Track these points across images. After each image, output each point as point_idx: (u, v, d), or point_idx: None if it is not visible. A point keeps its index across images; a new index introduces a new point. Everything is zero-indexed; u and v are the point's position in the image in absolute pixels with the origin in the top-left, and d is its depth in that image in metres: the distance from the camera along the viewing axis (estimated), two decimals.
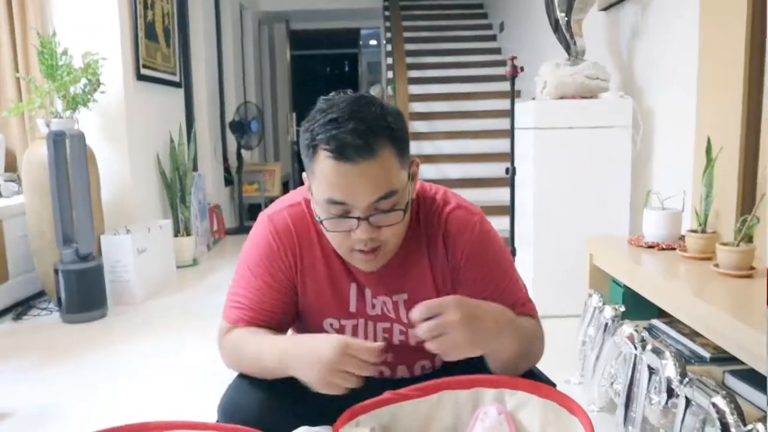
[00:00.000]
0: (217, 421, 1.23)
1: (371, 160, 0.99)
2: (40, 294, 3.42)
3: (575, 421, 1.00)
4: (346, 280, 1.21)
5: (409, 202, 1.12)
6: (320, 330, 1.27)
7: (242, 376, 1.25)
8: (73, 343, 2.76)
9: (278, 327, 1.22)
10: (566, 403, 1.04)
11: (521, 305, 1.20)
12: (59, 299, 3.04)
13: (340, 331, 1.27)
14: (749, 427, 1.15)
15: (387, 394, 1.15)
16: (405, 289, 1.20)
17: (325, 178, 1.02)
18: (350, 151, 0.98)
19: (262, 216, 1.23)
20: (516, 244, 2.87)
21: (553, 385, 1.31)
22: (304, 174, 1.12)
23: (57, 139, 2.97)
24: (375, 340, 1.27)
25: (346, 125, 0.99)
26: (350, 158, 0.98)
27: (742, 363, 1.32)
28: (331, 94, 1.06)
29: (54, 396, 2.19)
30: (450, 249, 1.18)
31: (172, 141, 4.30)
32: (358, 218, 1.04)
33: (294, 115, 7.83)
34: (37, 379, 2.36)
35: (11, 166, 3.70)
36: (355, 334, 1.27)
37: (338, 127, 0.99)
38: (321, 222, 1.08)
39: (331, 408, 1.15)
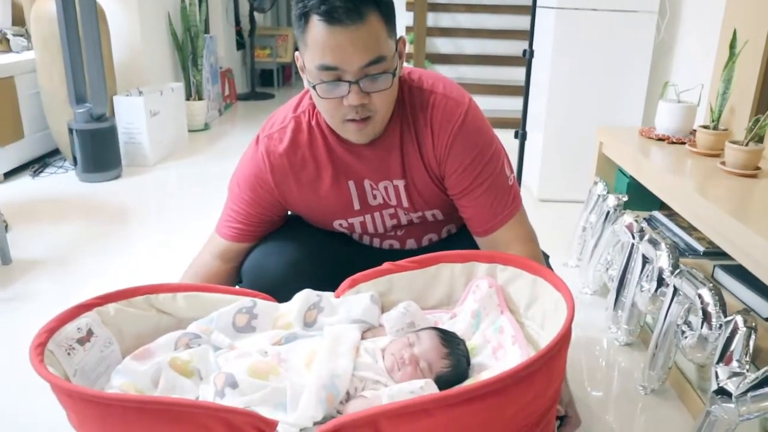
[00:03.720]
0: (241, 283, 1.33)
1: (360, 25, 1.03)
2: (55, 152, 3.47)
3: (559, 296, 1.07)
4: (346, 178, 1.26)
5: (398, 72, 1.14)
6: (331, 228, 1.35)
7: (267, 241, 1.34)
8: (90, 201, 2.85)
9: (266, 233, 1.34)
10: (552, 279, 1.11)
11: (505, 206, 1.24)
12: (74, 158, 3.10)
13: (350, 228, 1.34)
14: (729, 318, 1.22)
15: (386, 265, 1.23)
16: (401, 175, 1.24)
17: (316, 44, 1.06)
18: (340, 13, 1.02)
19: (257, 137, 1.28)
20: (527, 128, 2.86)
21: (547, 256, 1.39)
22: (296, 53, 1.14)
23: None
24: (384, 226, 1.34)
25: None
26: (340, 20, 1.02)
27: (733, 259, 1.37)
28: None
29: (73, 251, 2.30)
30: (435, 138, 1.20)
31: (182, 0, 4.17)
32: (349, 82, 1.07)
33: None
34: (57, 233, 2.46)
35: (19, 19, 3.62)
36: (364, 228, 1.34)
37: None
38: (314, 87, 1.10)
39: (350, 274, 1.24)
